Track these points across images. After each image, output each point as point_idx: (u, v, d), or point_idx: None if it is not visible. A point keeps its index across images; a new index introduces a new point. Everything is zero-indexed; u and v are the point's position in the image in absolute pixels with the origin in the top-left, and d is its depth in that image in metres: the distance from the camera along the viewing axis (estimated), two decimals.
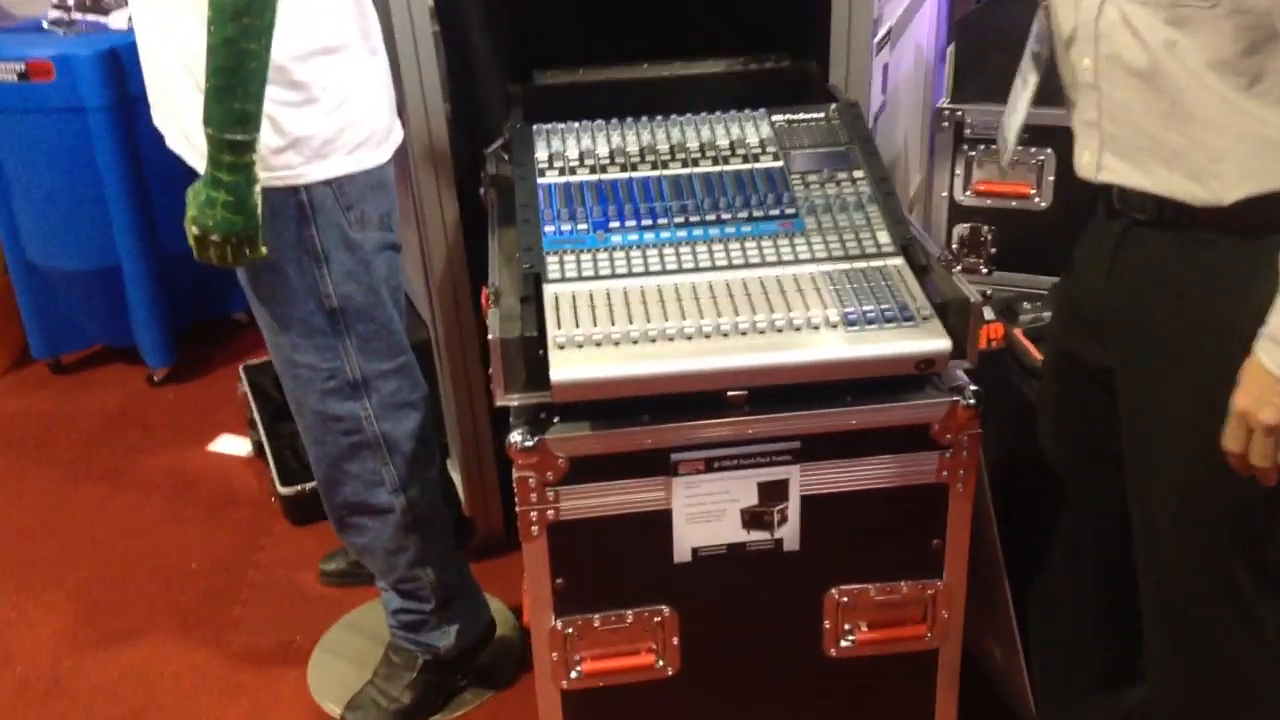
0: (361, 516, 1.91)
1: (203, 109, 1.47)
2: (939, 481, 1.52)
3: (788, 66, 2.08)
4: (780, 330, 1.41)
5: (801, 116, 1.77)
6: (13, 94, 3.00)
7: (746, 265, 1.51)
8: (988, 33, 2.41)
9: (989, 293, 2.07)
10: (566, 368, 1.37)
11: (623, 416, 1.44)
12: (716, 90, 1.99)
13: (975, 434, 1.50)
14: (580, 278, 1.50)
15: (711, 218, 1.59)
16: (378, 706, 2.06)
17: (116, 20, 3.17)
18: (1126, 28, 1.30)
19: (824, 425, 1.47)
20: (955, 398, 1.48)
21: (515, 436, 1.43)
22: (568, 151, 1.71)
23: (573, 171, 1.67)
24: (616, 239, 1.56)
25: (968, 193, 2.42)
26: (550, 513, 1.48)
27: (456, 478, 2.48)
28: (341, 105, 1.65)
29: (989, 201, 2.40)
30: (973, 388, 1.48)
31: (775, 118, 1.77)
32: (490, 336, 1.42)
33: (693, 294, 1.46)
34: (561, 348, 1.39)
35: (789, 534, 1.52)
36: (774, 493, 1.50)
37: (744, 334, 1.41)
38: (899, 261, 1.52)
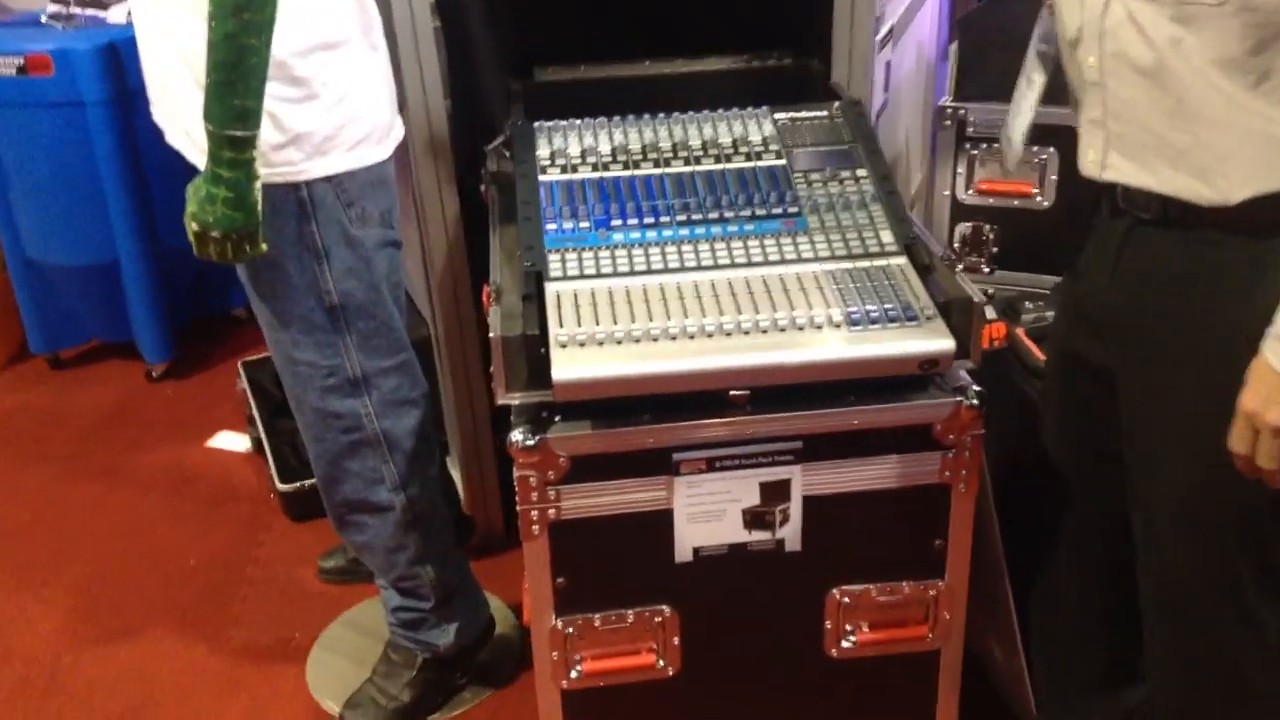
0: (361, 514, 1.91)
1: (203, 105, 1.47)
2: (941, 482, 1.51)
3: (790, 64, 2.07)
4: (783, 329, 1.41)
5: (804, 115, 1.76)
6: (11, 88, 2.99)
7: (749, 264, 1.51)
8: (990, 31, 2.41)
9: (991, 292, 2.06)
10: (568, 366, 1.36)
11: (624, 415, 1.44)
12: (719, 88, 1.98)
13: (978, 434, 1.49)
14: (582, 276, 1.49)
15: (714, 216, 1.58)
16: (377, 705, 2.05)
17: (115, 15, 3.16)
18: (1132, 25, 1.30)
19: (826, 425, 1.46)
20: (958, 398, 1.47)
21: (516, 435, 1.42)
22: (569, 149, 1.70)
23: (574, 169, 1.66)
24: (618, 237, 1.55)
25: (970, 191, 2.41)
26: (551, 512, 1.47)
27: (456, 475, 2.48)
28: (342, 101, 1.64)
29: (991, 200, 2.40)
30: (976, 388, 1.48)
31: (778, 116, 1.76)
32: (492, 335, 1.42)
33: (695, 293, 1.46)
34: (563, 346, 1.38)
35: (790, 534, 1.52)
36: (776, 493, 1.49)
37: (746, 333, 1.40)
38: (902, 261, 1.52)
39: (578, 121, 1.76)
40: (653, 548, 1.51)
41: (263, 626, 2.37)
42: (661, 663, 1.58)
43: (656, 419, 1.44)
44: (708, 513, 1.50)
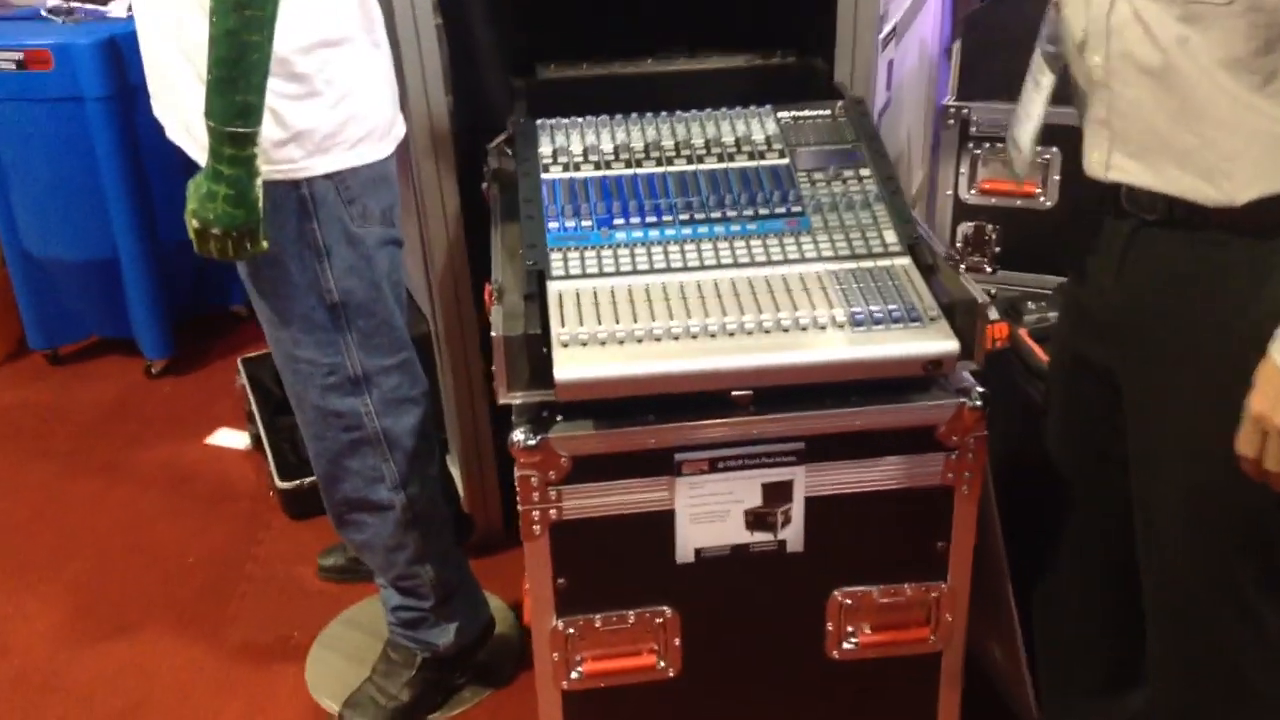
0: (361, 513, 1.90)
1: (204, 101, 1.46)
2: (944, 484, 1.51)
3: (793, 62, 2.06)
4: (786, 330, 1.40)
5: (808, 113, 1.75)
6: (11, 83, 2.98)
7: (752, 264, 1.50)
8: (994, 30, 2.40)
9: (993, 292, 2.06)
10: (571, 366, 1.36)
11: (626, 415, 1.43)
12: (721, 86, 1.98)
13: (981, 436, 1.49)
14: (584, 275, 1.49)
15: (717, 215, 1.58)
16: (376, 704, 2.05)
17: (116, 9, 3.15)
18: (1138, 24, 1.29)
19: (829, 426, 1.46)
20: (961, 399, 1.47)
21: (518, 435, 1.42)
22: (572, 147, 1.69)
23: (577, 167, 1.66)
24: (621, 236, 1.55)
25: (972, 191, 2.41)
26: (553, 512, 1.47)
27: (455, 473, 2.47)
28: (344, 99, 1.63)
29: (994, 200, 2.39)
30: (979, 389, 1.48)
31: (781, 114, 1.75)
32: (494, 334, 1.41)
33: (698, 292, 1.45)
34: (565, 346, 1.38)
35: (793, 535, 1.51)
36: (778, 494, 1.49)
37: (749, 333, 1.40)
38: (906, 261, 1.51)
39: (580, 119, 1.75)
40: (654, 548, 1.50)
41: (262, 624, 2.36)
42: (662, 664, 1.57)
43: (659, 419, 1.43)
44: (710, 513, 1.49)
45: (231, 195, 1.49)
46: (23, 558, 2.62)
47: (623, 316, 1.41)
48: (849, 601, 1.57)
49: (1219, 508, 1.38)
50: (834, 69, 2.06)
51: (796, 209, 1.58)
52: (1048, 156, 2.28)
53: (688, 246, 1.53)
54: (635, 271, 1.49)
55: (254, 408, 2.87)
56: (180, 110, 1.62)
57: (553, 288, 1.46)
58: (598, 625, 1.54)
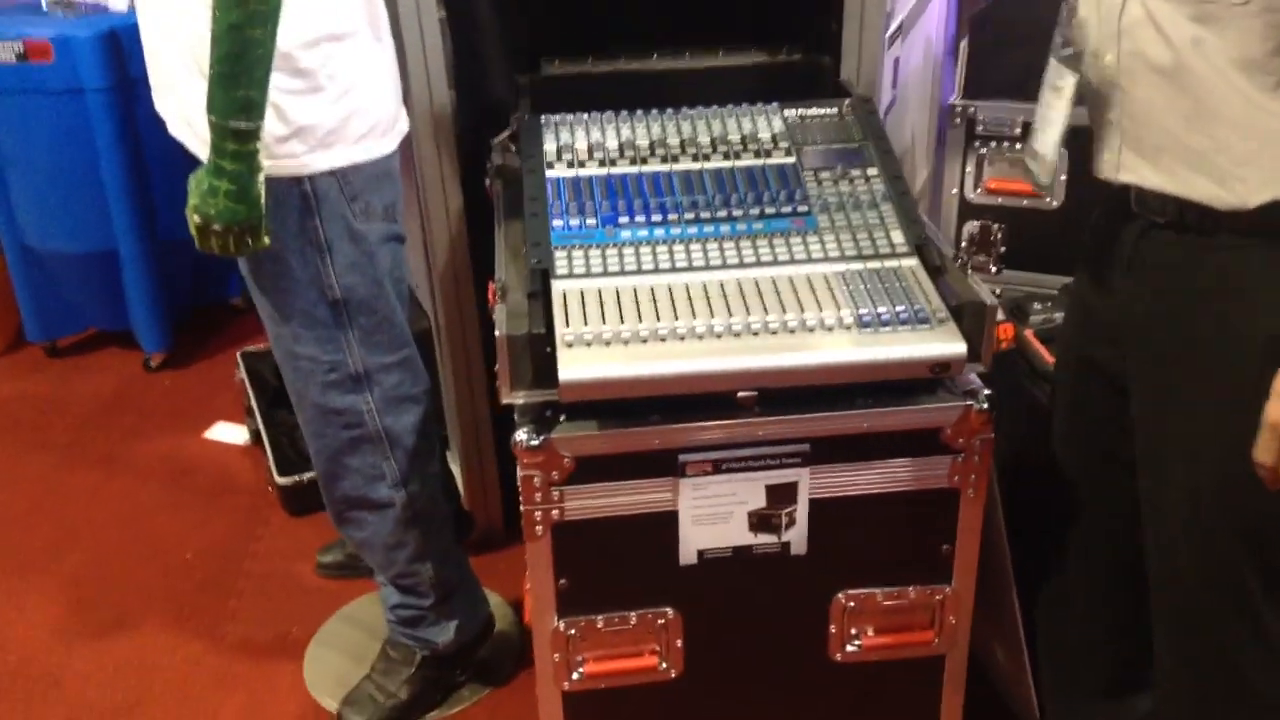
0: (361, 511, 1.89)
1: (206, 96, 1.45)
2: (950, 486, 1.50)
3: (799, 60, 2.05)
4: (792, 331, 1.39)
5: (814, 112, 1.74)
6: (11, 75, 2.97)
7: (758, 264, 1.49)
8: (1001, 28, 2.39)
9: (998, 292, 2.05)
10: (575, 366, 1.34)
11: (630, 416, 1.42)
12: (727, 83, 1.96)
13: (988, 438, 1.48)
14: (589, 274, 1.47)
15: (723, 214, 1.56)
16: (375, 702, 2.04)
17: (117, 1, 3.13)
18: (1150, 24, 1.28)
19: (834, 428, 1.45)
20: (968, 401, 1.46)
21: (521, 435, 1.41)
22: (576, 144, 1.68)
23: (581, 165, 1.64)
24: (626, 235, 1.53)
25: (978, 190, 2.39)
26: (555, 512, 1.46)
27: (455, 470, 2.46)
28: (347, 94, 1.62)
29: (999, 200, 2.38)
30: (986, 391, 1.46)
31: (788, 112, 1.74)
32: (497, 333, 1.40)
33: (703, 293, 1.44)
34: (570, 346, 1.37)
35: (797, 537, 1.50)
36: (782, 495, 1.48)
37: (755, 334, 1.38)
38: (913, 262, 1.50)
39: (585, 116, 1.74)
40: (657, 549, 1.49)
41: (260, 621, 2.35)
42: (664, 665, 1.56)
43: (663, 420, 1.42)
44: (713, 515, 1.48)
45: (233, 191, 1.48)
46: (21, 551, 2.61)
47: (627, 316, 1.40)
48: (852, 604, 1.56)
49: (1224, 510, 1.38)
50: (840, 66, 2.05)
51: (803, 208, 1.57)
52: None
53: (693, 246, 1.51)
54: (640, 271, 1.48)
55: (253, 402, 2.86)
56: (182, 105, 1.60)
57: (557, 287, 1.45)
58: (599, 626, 1.53)
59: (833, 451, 1.46)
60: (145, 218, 3.17)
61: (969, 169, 2.38)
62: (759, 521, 1.49)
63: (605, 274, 1.47)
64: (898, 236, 1.53)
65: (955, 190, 2.41)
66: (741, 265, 1.49)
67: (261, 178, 1.51)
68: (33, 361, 3.47)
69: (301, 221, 1.64)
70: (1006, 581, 1.67)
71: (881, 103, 2.15)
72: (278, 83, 1.51)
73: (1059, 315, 1.99)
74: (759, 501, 1.48)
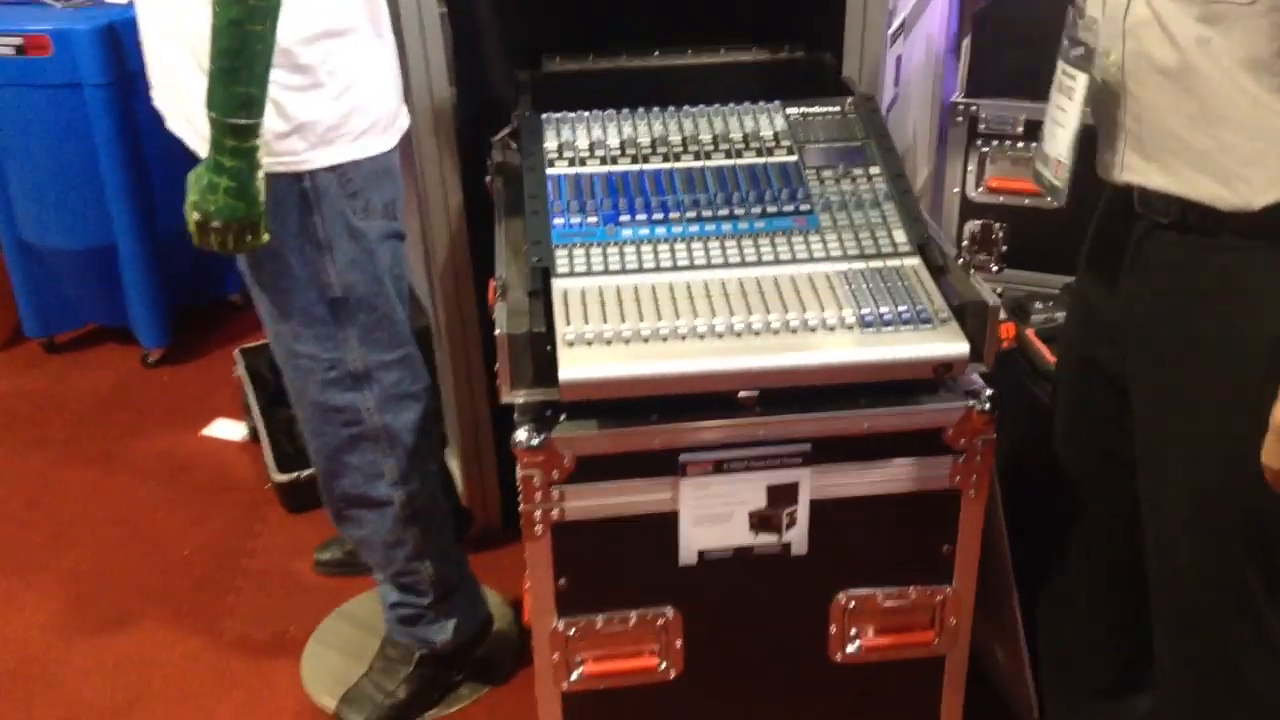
0: (360, 509, 1.89)
1: (206, 92, 1.44)
2: (951, 487, 1.49)
3: (801, 57, 2.04)
4: (794, 331, 1.38)
5: (817, 110, 1.73)
6: (9, 69, 2.95)
7: (760, 263, 1.48)
8: (1003, 27, 2.38)
9: (1000, 291, 2.04)
10: (576, 366, 1.34)
11: (631, 415, 1.42)
12: (729, 81, 1.96)
13: (990, 439, 1.47)
14: (590, 272, 1.47)
15: (724, 213, 1.56)
16: (373, 701, 2.03)
17: None
18: (1156, 24, 1.27)
19: (835, 428, 1.44)
20: (970, 402, 1.45)
21: (521, 435, 1.40)
22: (578, 141, 1.67)
23: (583, 162, 1.64)
24: (627, 233, 1.53)
25: (980, 189, 2.39)
26: (555, 512, 1.45)
27: (454, 467, 2.45)
28: (347, 90, 1.61)
29: (1001, 198, 2.38)
30: (988, 392, 1.46)
31: (790, 110, 1.73)
32: (498, 332, 1.39)
33: (705, 292, 1.43)
34: (570, 345, 1.36)
35: (797, 538, 1.50)
36: (783, 496, 1.47)
37: (757, 334, 1.38)
38: (915, 261, 1.49)
39: (586, 114, 1.73)
40: (657, 549, 1.49)
41: (258, 619, 2.35)
42: (664, 665, 1.56)
43: (664, 419, 1.42)
44: (714, 515, 1.47)
45: (233, 188, 1.47)
46: (18, 547, 2.60)
47: (628, 315, 1.39)
48: (853, 604, 1.55)
49: (1225, 511, 1.37)
50: (842, 64, 2.04)
51: (805, 207, 1.56)
52: None
53: (694, 244, 1.51)
54: (641, 270, 1.47)
55: (251, 399, 2.85)
56: (181, 101, 1.60)
57: (557, 285, 1.45)
58: (599, 626, 1.53)
59: (834, 452, 1.46)
60: (144, 213, 3.16)
61: (970, 167, 2.38)
62: (759, 521, 1.48)
63: (606, 272, 1.47)
64: (900, 236, 1.52)
65: (957, 189, 2.41)
66: (743, 264, 1.48)
67: (261, 174, 1.50)
68: (30, 357, 3.46)
69: (301, 219, 1.63)
70: (1007, 581, 1.67)
71: (883, 101, 2.14)
72: (278, 79, 1.50)
73: (1060, 315, 1.99)
74: (760, 501, 1.47)
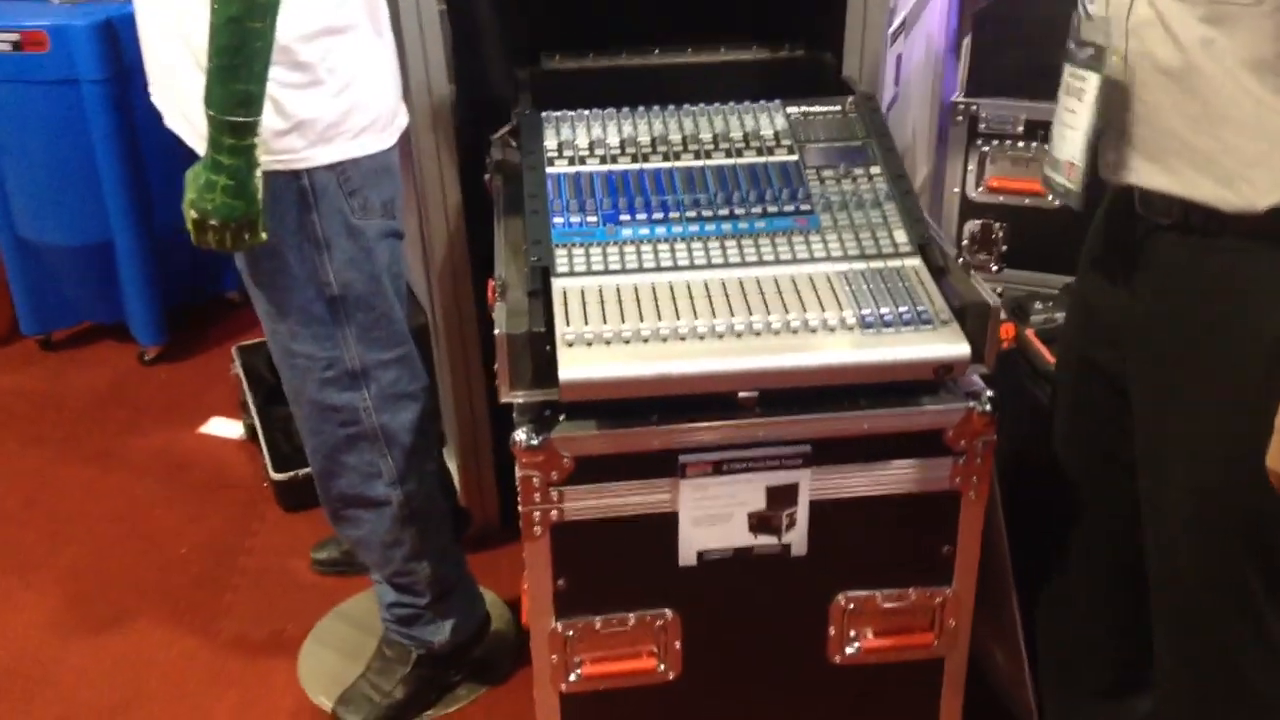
0: (358, 509, 1.88)
1: (204, 89, 1.43)
2: (952, 488, 1.49)
3: (802, 56, 2.04)
4: (794, 331, 1.38)
5: (817, 109, 1.73)
6: (6, 64, 2.94)
7: (760, 263, 1.48)
8: (1003, 26, 2.38)
9: (1000, 291, 2.04)
10: (575, 366, 1.33)
11: (630, 416, 1.41)
12: (729, 79, 1.95)
13: (990, 440, 1.47)
14: (590, 272, 1.46)
15: (724, 212, 1.55)
16: (370, 701, 2.03)
17: None
18: (1159, 25, 1.26)
19: (836, 429, 1.44)
20: (970, 403, 1.45)
21: (520, 435, 1.39)
22: (577, 140, 1.66)
23: (582, 161, 1.63)
24: (627, 233, 1.52)
25: (980, 188, 2.38)
26: (554, 513, 1.45)
27: (452, 466, 2.45)
28: (347, 88, 1.61)
29: (1001, 198, 2.37)
30: (989, 393, 1.45)
31: (790, 110, 1.73)
32: (497, 331, 1.38)
33: (705, 292, 1.43)
34: (570, 345, 1.35)
35: (797, 539, 1.49)
36: (783, 497, 1.47)
37: (757, 334, 1.37)
38: (916, 262, 1.49)
39: (586, 112, 1.73)
40: (656, 551, 1.48)
41: (254, 618, 2.34)
42: (662, 666, 1.56)
43: (663, 420, 1.41)
44: (713, 516, 1.47)
45: (231, 186, 1.47)
46: (15, 545, 2.59)
47: (629, 315, 1.39)
48: (852, 606, 1.55)
49: (1225, 511, 1.37)
50: (842, 63, 2.03)
51: (805, 207, 1.56)
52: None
53: (695, 244, 1.50)
54: (641, 269, 1.47)
55: (248, 397, 2.84)
56: (179, 98, 1.59)
57: (557, 285, 1.44)
58: (597, 627, 1.52)
59: (834, 453, 1.45)
60: (141, 210, 3.15)
61: (971, 167, 2.38)
62: (759, 523, 1.48)
63: (606, 272, 1.46)
64: (900, 236, 1.52)
65: (957, 188, 2.40)
66: (743, 264, 1.48)
67: (259, 172, 1.49)
68: (27, 355, 3.45)
69: (299, 217, 1.63)
70: (1006, 582, 1.66)
71: (883, 100, 2.13)
72: (276, 76, 1.49)
73: (1060, 315, 1.98)
74: (759, 503, 1.47)
